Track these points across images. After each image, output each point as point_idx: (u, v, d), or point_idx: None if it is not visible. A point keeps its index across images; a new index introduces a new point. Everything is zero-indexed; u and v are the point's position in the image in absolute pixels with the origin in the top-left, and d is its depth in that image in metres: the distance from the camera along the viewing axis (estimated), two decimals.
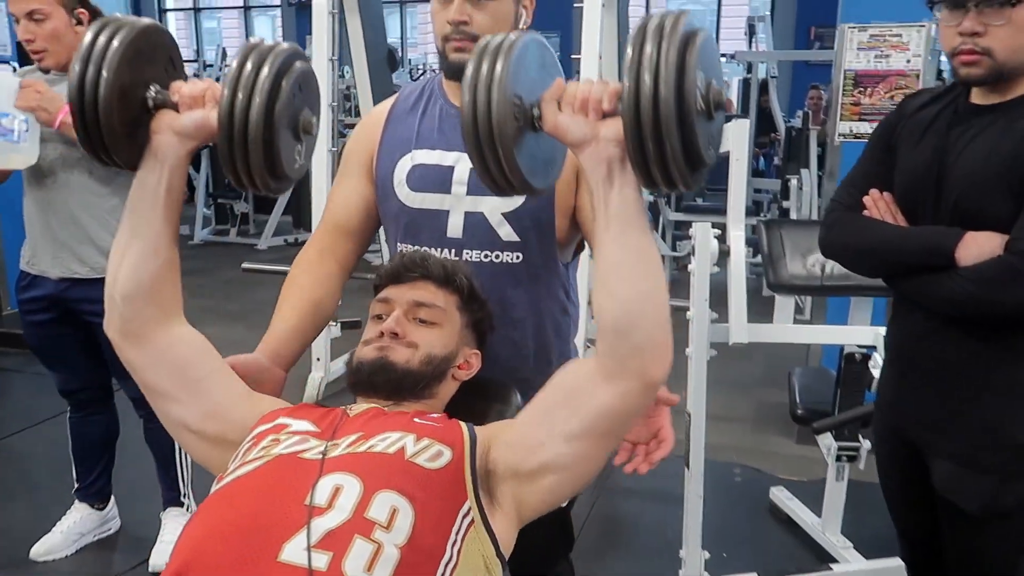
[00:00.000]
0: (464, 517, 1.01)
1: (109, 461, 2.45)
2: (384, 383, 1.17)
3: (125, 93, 1.01)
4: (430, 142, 1.37)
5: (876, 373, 1.92)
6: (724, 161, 2.46)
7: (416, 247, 1.37)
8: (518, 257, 1.35)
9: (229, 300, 4.97)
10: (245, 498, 1.01)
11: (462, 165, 1.33)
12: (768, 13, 9.54)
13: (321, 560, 0.90)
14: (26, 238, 2.21)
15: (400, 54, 11.00)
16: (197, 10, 14.22)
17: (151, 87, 1.05)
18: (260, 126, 0.98)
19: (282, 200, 6.83)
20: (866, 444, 2.30)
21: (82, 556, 2.40)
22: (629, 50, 0.89)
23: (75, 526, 2.41)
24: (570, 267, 1.45)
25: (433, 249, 1.36)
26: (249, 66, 0.99)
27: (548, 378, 1.41)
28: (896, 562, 1.73)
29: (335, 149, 3.67)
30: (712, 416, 2.17)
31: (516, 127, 0.95)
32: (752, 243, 4.66)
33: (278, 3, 13.20)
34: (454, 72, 1.33)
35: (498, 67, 0.94)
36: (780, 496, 2.69)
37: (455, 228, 1.35)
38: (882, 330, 1.91)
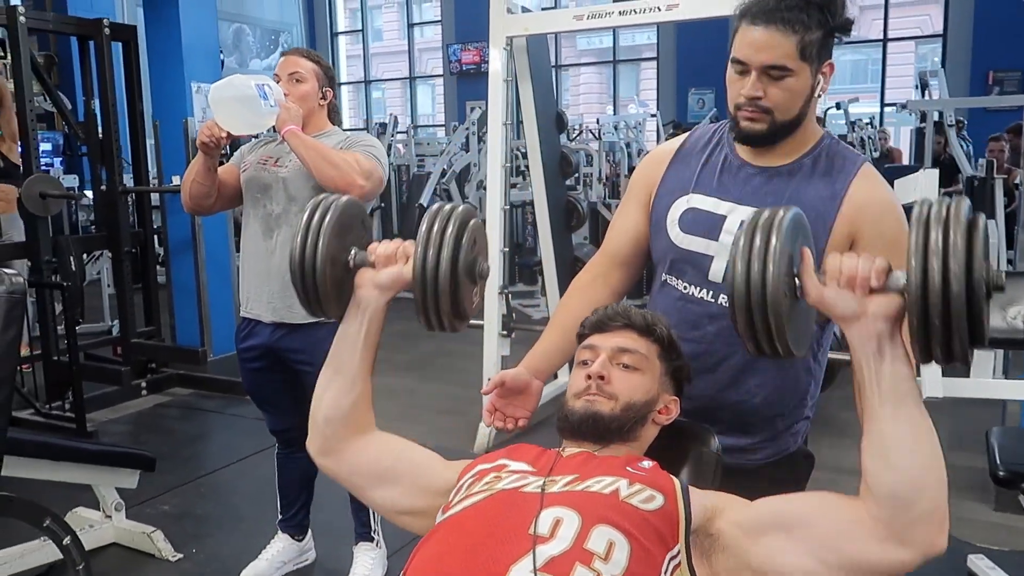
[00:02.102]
0: (672, 559, 1.06)
1: (308, 496, 2.65)
2: (591, 431, 1.25)
3: (335, 259, 1.23)
4: (708, 189, 1.44)
5: None
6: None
7: (680, 281, 1.45)
8: None
9: (399, 351, 5.23)
10: (473, 525, 1.10)
11: (734, 216, 1.39)
12: (939, 59, 9.12)
13: None
14: (241, 286, 2.45)
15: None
16: (367, 83, 15.34)
17: (351, 250, 1.26)
18: (448, 277, 1.16)
19: None
20: None
21: None
22: (913, 235, 0.93)
23: (278, 555, 2.61)
24: (826, 328, 1.45)
25: (692, 287, 1.44)
26: (436, 227, 1.18)
27: (771, 427, 1.46)
28: None
29: (507, 207, 3.87)
30: None
31: (788, 301, 1.01)
32: None
33: (439, 72, 13.99)
34: (743, 139, 1.39)
35: (772, 242, 1.00)
36: (980, 565, 2.51)
37: (717, 273, 1.41)
38: None
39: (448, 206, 1.22)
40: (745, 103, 1.34)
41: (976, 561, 2.54)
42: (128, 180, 4.73)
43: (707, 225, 1.42)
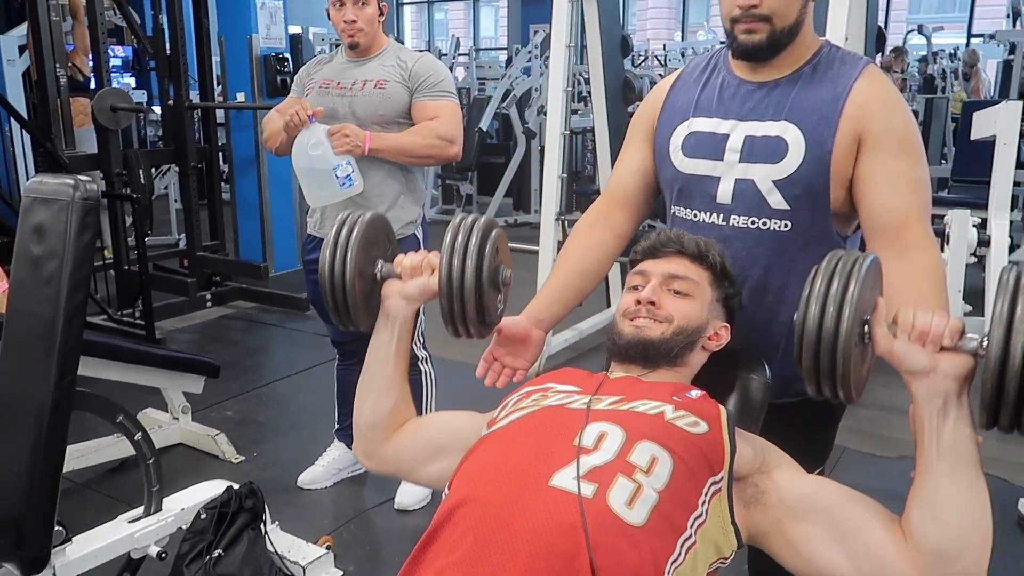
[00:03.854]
0: (714, 484, 1.08)
1: None
2: (640, 356, 1.26)
3: (363, 272, 1.26)
4: (708, 111, 1.41)
5: None
6: (972, 151, 2.29)
7: (688, 210, 1.44)
8: (786, 225, 1.36)
9: None
10: (518, 436, 1.13)
11: (737, 133, 1.37)
12: None
13: (588, 489, 1.00)
14: (311, 208, 2.49)
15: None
16: (430, 3, 15.09)
17: (378, 263, 1.29)
18: (473, 285, 1.19)
19: (504, 183, 7.15)
20: None
21: (339, 488, 2.72)
22: (998, 303, 0.91)
23: (334, 462, 2.73)
24: (849, 240, 1.43)
25: (702, 213, 1.42)
26: (460, 238, 1.21)
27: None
28: None
29: (567, 132, 3.82)
30: None
31: (858, 349, 0.99)
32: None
33: None
34: (743, 53, 1.36)
35: (851, 287, 0.98)
36: None
37: (724, 194, 1.39)
38: None
39: (471, 217, 1.24)
40: (741, 14, 1.31)
41: None
42: (195, 96, 4.80)
43: (710, 146, 1.39)
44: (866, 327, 1.00)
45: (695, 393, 1.20)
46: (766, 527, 1.10)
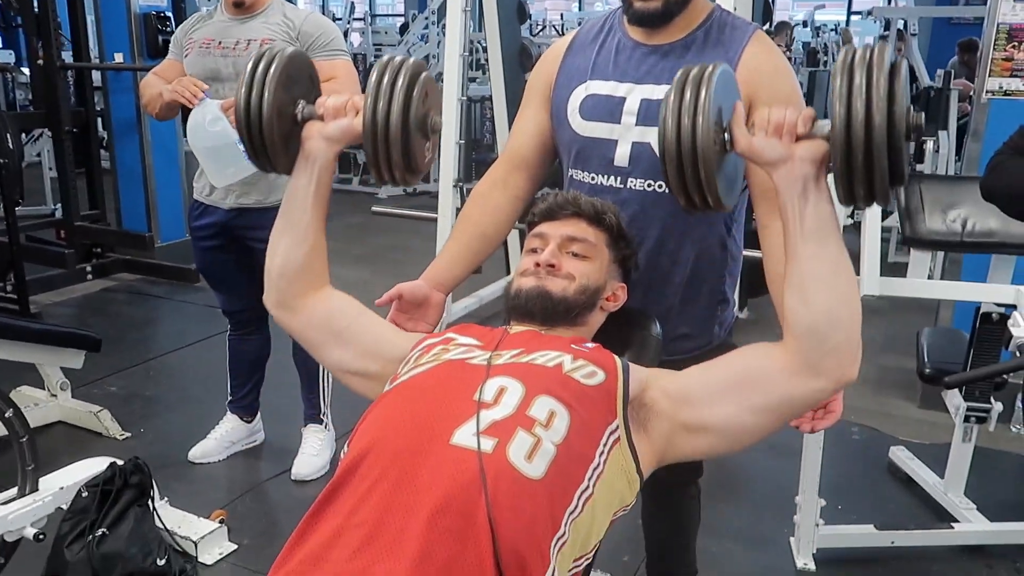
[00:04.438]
0: (611, 434, 1.10)
1: (259, 379, 2.67)
2: (540, 310, 1.26)
3: (281, 112, 1.21)
4: (605, 73, 1.42)
5: (1015, 333, 1.87)
6: None
7: (586, 173, 1.45)
8: None
9: (353, 244, 5.22)
10: (420, 392, 1.12)
11: (634, 96, 1.38)
12: None
13: (488, 444, 1.00)
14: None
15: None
16: None
17: (299, 103, 1.24)
18: (399, 128, 1.15)
19: None
20: (997, 407, 2.25)
21: (232, 462, 2.65)
22: (838, 80, 0.96)
23: (227, 435, 2.65)
24: (738, 207, 1.47)
25: (600, 176, 1.43)
26: (386, 79, 1.16)
27: (693, 309, 1.48)
28: None
29: (463, 98, 3.78)
30: None
31: (717, 152, 1.03)
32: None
33: None
34: (639, 20, 1.37)
35: (702, 95, 1.01)
36: (900, 455, 2.66)
37: (622, 157, 1.40)
38: None
39: (399, 58, 1.20)
40: None
41: (897, 452, 2.69)
42: (68, 57, 4.49)
43: (607, 109, 1.41)
44: (726, 133, 1.05)
45: (591, 344, 1.22)
46: (666, 432, 1.13)
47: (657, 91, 1.37)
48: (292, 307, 1.30)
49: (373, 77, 1.17)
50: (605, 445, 1.08)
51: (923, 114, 0.97)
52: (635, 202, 1.40)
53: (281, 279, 1.29)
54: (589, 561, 1.10)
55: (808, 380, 1.07)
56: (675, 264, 1.44)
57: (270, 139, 1.20)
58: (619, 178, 1.41)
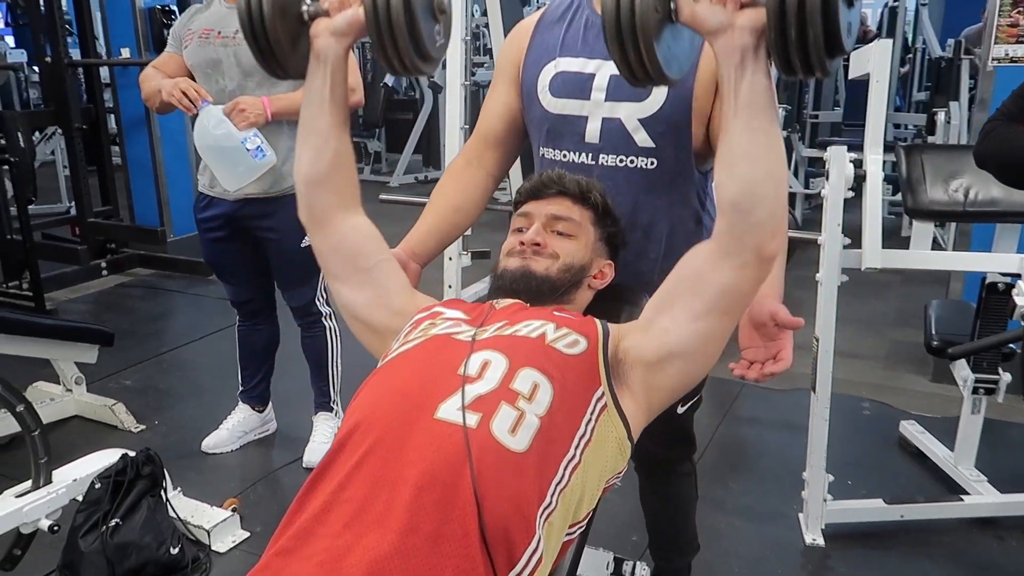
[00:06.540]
0: (598, 401, 1.10)
1: (270, 368, 2.70)
2: (525, 290, 1.27)
3: (285, 10, 1.16)
4: (574, 50, 1.42)
5: (1020, 302, 1.86)
6: (861, 96, 2.39)
7: (557, 151, 1.45)
8: (652, 163, 1.39)
9: None
10: (407, 369, 1.14)
11: (603, 72, 1.38)
12: None
13: (472, 419, 1.01)
14: (203, 164, 2.41)
15: None
16: None
17: (304, 2, 1.19)
18: (401, 10, 1.10)
19: (413, 139, 7.05)
20: (1006, 377, 2.23)
21: (245, 451, 2.68)
22: None
23: (239, 425, 2.69)
24: (709, 176, 1.47)
25: (571, 154, 1.43)
26: None
27: None
28: None
29: (467, 83, 3.77)
30: (842, 352, 2.14)
31: (657, 19, 1.01)
32: (891, 180, 4.45)
33: None
34: None
35: None
36: (910, 429, 2.65)
37: (593, 134, 1.40)
38: None
39: None
40: None
41: (907, 426, 2.67)
42: (75, 54, 4.53)
43: (577, 85, 1.40)
44: (672, 3, 1.02)
45: (574, 312, 1.23)
46: (642, 377, 1.13)
47: None
48: (321, 221, 1.28)
49: None
50: (592, 413, 1.09)
51: None
52: (607, 178, 1.40)
53: (309, 188, 1.27)
54: (583, 528, 1.11)
55: (732, 259, 1.07)
56: (649, 240, 1.44)
57: (276, 40, 1.16)
58: (590, 154, 1.41)
